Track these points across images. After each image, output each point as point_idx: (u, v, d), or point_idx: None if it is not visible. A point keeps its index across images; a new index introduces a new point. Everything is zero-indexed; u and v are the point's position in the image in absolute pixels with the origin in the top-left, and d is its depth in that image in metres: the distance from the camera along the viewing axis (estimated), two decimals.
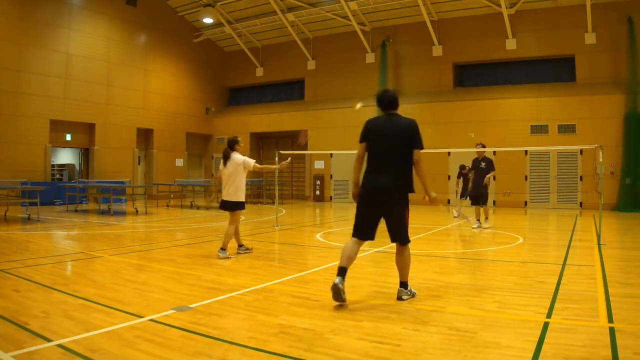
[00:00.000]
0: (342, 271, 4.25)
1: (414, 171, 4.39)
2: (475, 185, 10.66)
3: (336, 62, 22.13)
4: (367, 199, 4.44)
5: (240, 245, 7.20)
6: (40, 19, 17.43)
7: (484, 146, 10.60)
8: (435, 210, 15.87)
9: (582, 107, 16.92)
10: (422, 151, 4.42)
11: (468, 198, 11.52)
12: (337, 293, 4.16)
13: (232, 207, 6.93)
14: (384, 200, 4.36)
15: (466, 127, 18.59)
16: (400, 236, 4.40)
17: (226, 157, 6.97)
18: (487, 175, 10.41)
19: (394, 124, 4.47)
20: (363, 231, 4.46)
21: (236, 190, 6.89)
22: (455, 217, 13.23)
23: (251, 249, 7.33)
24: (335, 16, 20.38)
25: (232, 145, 7.05)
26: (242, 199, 7.00)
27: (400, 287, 4.52)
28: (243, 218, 7.12)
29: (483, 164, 10.54)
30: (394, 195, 4.34)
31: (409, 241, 4.45)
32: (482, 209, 10.70)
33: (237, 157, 6.95)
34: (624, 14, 16.52)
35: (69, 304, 4.23)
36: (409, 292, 4.52)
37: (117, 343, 3.27)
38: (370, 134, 4.52)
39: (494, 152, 17.61)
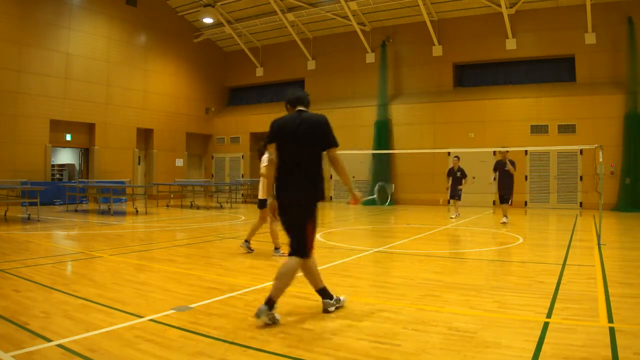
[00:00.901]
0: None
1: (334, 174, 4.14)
2: (501, 186, 11.78)
3: (336, 62, 22.13)
4: (280, 208, 3.99)
5: (246, 241, 7.24)
6: (40, 19, 17.43)
7: (507, 151, 11.86)
8: (436, 210, 15.87)
9: (582, 107, 16.92)
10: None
11: (456, 198, 13.23)
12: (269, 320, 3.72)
13: (259, 204, 7.16)
14: (290, 207, 3.93)
15: (466, 127, 18.59)
16: (298, 248, 3.91)
17: (260, 156, 7.15)
18: (513, 172, 11.54)
19: (303, 121, 3.95)
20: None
21: (261, 188, 7.04)
22: (452, 218, 13.23)
23: (252, 250, 7.32)
24: (335, 16, 20.38)
25: (265, 146, 7.11)
26: (264, 198, 7.06)
27: (323, 297, 4.07)
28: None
29: (507, 167, 11.57)
30: (299, 204, 3.89)
31: (307, 256, 3.94)
32: (506, 207, 11.76)
33: (264, 157, 7.04)
34: (624, 14, 16.53)
35: (69, 304, 4.23)
36: (334, 303, 4.08)
37: (117, 343, 3.27)
38: (279, 133, 4.00)
39: (494, 152, 17.62)
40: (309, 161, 3.90)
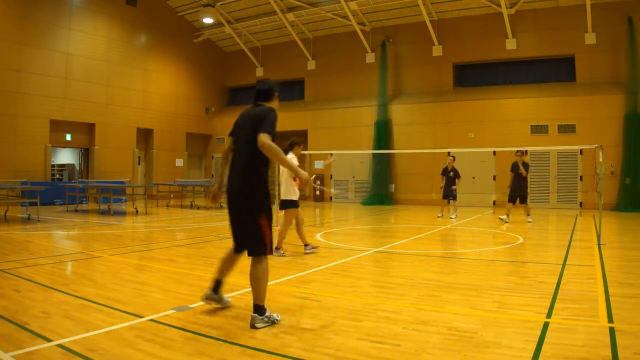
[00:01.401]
0: (215, 283, 4.13)
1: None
2: (517, 187, 12.05)
3: (336, 62, 22.12)
4: (227, 202, 3.93)
5: (277, 248, 6.98)
6: (40, 19, 17.43)
7: (523, 153, 12.06)
8: (436, 210, 15.86)
9: (582, 107, 16.92)
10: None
11: (451, 198, 13.32)
12: (209, 303, 4.12)
13: (283, 205, 7.09)
14: (235, 203, 3.85)
15: (466, 127, 18.59)
16: (250, 244, 3.81)
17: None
18: (525, 175, 11.86)
19: (249, 113, 3.86)
20: (234, 240, 4.02)
21: (284, 189, 7.03)
22: (452, 217, 13.22)
23: (286, 255, 7.09)
24: (335, 16, 20.38)
25: (292, 146, 7.02)
26: (290, 198, 7.05)
27: (254, 311, 3.68)
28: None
29: (522, 168, 11.88)
30: (244, 199, 3.78)
31: (263, 253, 3.77)
32: (526, 207, 12.12)
33: (290, 156, 6.98)
34: (624, 14, 16.52)
35: (69, 304, 4.23)
36: (266, 319, 3.68)
37: (117, 343, 3.27)
38: (233, 128, 4.01)
39: (494, 152, 17.63)
40: (249, 156, 3.74)
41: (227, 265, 4.12)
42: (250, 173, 3.76)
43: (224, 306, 4.17)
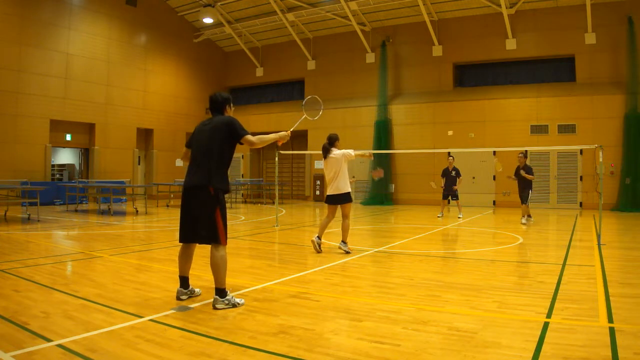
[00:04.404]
0: (183, 281, 4.49)
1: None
2: (519, 188, 12.03)
3: (336, 62, 22.13)
4: (182, 199, 4.38)
5: (343, 241, 7.24)
6: (40, 19, 17.43)
7: (525, 155, 12.16)
8: (436, 210, 15.86)
9: (582, 107, 16.92)
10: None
11: (451, 198, 13.46)
12: (184, 299, 4.43)
13: (343, 199, 7.10)
14: (192, 199, 4.26)
15: (466, 127, 18.60)
16: (208, 234, 4.19)
17: (326, 152, 7.22)
18: (530, 177, 11.81)
19: (209, 123, 4.46)
20: (183, 233, 4.38)
21: (340, 183, 7.07)
22: (459, 217, 13.20)
23: (350, 251, 7.22)
24: (335, 16, 20.39)
25: (333, 142, 7.26)
26: (348, 191, 7.14)
27: (216, 294, 4.15)
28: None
29: (523, 172, 11.88)
30: (201, 194, 4.19)
31: (219, 241, 4.19)
32: (525, 207, 12.01)
33: (336, 151, 7.16)
34: (624, 14, 16.53)
35: (69, 304, 4.23)
36: (226, 302, 4.14)
37: (117, 343, 3.27)
38: (191, 138, 4.52)
39: (494, 152, 17.63)
40: (210, 159, 4.25)
41: (185, 260, 4.50)
42: (214, 173, 4.22)
43: (196, 295, 4.57)
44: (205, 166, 4.22)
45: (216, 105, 4.57)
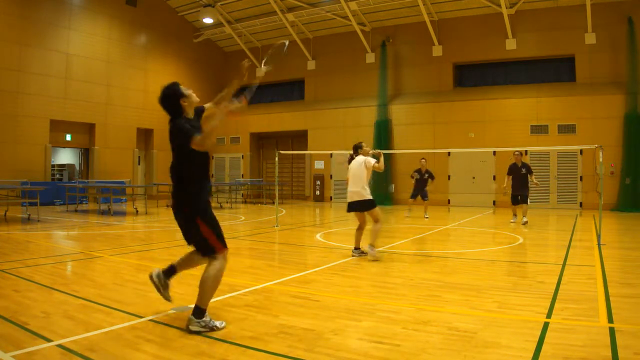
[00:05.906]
0: (169, 268, 4.01)
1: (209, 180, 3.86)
2: (516, 187, 11.88)
3: (336, 62, 22.12)
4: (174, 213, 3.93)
5: (370, 245, 6.89)
6: (40, 19, 17.43)
7: (521, 154, 11.95)
8: (435, 210, 15.87)
9: (582, 107, 16.92)
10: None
11: (420, 197, 13.51)
12: (154, 282, 3.91)
13: (369, 205, 7.00)
14: (176, 215, 3.84)
15: (466, 127, 18.59)
16: (199, 247, 3.79)
17: (350, 160, 7.30)
18: (531, 178, 11.70)
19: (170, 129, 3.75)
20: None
21: (362, 190, 7.00)
22: (426, 217, 13.39)
23: (365, 253, 7.03)
24: (335, 16, 20.38)
25: (356, 150, 7.32)
26: (371, 197, 7.07)
27: (192, 312, 3.55)
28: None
29: (523, 170, 11.76)
30: (179, 209, 3.79)
31: (213, 252, 3.69)
32: (524, 207, 11.81)
33: (359, 158, 7.15)
34: (624, 14, 16.52)
35: (69, 304, 4.23)
36: (202, 324, 3.52)
37: (117, 343, 3.27)
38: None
39: (494, 153, 17.64)
40: (174, 170, 3.74)
41: (187, 261, 4.04)
42: (180, 188, 3.72)
43: (163, 297, 3.96)
44: (174, 183, 3.76)
45: (166, 105, 3.74)
